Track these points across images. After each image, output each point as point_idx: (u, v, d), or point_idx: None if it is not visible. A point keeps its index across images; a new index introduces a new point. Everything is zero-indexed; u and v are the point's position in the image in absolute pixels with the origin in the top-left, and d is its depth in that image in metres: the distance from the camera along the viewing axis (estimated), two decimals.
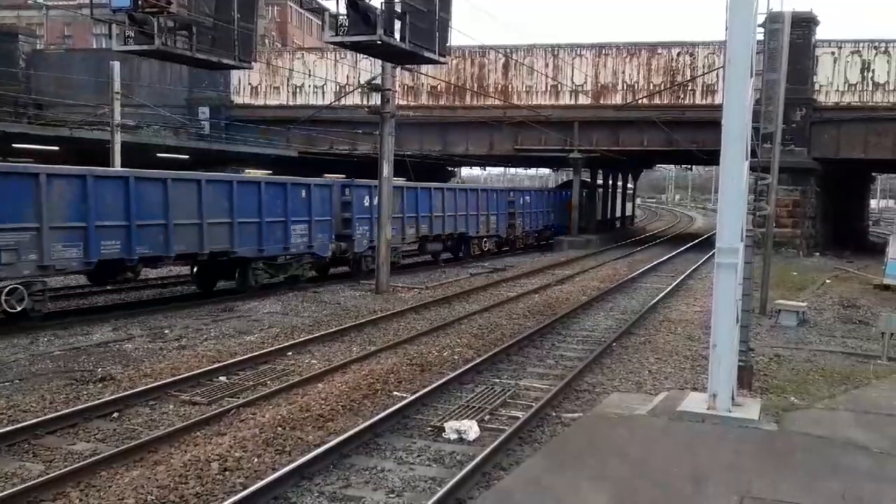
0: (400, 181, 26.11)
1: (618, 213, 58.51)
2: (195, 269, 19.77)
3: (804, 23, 31.53)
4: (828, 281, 24.28)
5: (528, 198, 37.68)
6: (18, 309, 14.17)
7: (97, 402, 9.83)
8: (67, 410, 9.45)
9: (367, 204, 23.22)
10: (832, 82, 33.19)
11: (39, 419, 9.08)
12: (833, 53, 33.15)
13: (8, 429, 8.71)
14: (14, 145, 26.35)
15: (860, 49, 33.00)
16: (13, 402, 9.91)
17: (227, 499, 6.81)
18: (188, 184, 17.37)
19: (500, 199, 34.26)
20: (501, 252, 34.35)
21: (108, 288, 19.50)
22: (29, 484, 7.17)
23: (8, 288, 13.91)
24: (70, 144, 27.10)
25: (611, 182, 55.19)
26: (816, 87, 33.25)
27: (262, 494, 6.94)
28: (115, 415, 9.56)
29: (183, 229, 16.98)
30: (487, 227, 32.50)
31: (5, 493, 6.98)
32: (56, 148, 26.92)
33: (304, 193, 20.39)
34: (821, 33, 33.58)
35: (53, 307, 16.39)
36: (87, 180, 15.18)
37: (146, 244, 16.24)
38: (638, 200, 79.35)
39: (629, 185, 64.78)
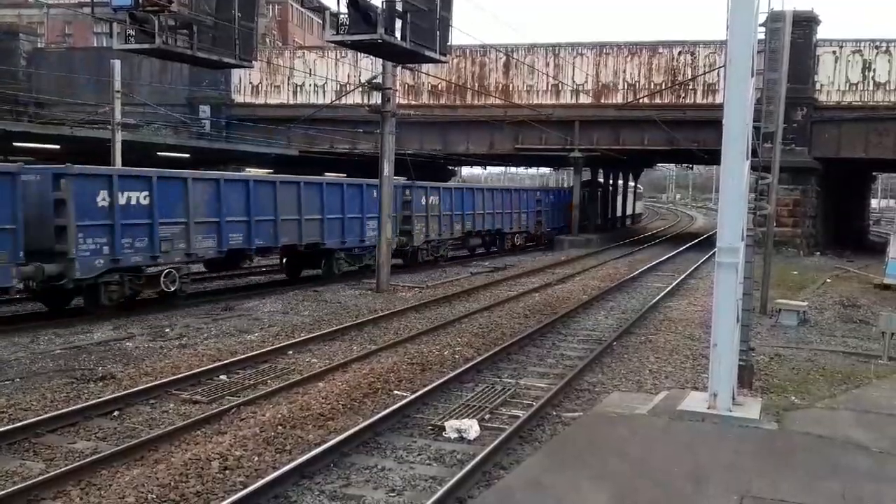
0: (400, 180, 26.22)
1: (619, 213, 58.55)
2: (284, 260, 22.85)
3: (805, 22, 31.52)
4: (828, 280, 24.28)
5: (551, 197, 41.06)
6: (172, 289, 17.08)
7: (98, 400, 9.84)
8: (68, 409, 9.46)
9: (423, 203, 26.89)
10: (833, 82, 33.18)
11: (40, 417, 9.09)
12: (834, 53, 33.14)
13: (9, 427, 8.72)
14: (15, 144, 26.35)
15: (861, 48, 32.98)
16: (14, 401, 9.92)
17: (227, 497, 6.82)
18: (290, 186, 20.42)
19: (530, 198, 37.76)
20: (526, 247, 36.55)
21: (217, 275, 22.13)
22: (30, 482, 7.18)
23: (165, 271, 16.91)
24: (71, 143, 27.09)
25: (611, 181, 55.19)
26: (817, 86, 33.23)
27: (263, 493, 6.94)
28: (116, 413, 9.56)
29: (286, 224, 20.07)
30: (519, 224, 35.86)
31: (6, 491, 6.99)
32: (57, 147, 26.92)
33: (375, 193, 22.18)
34: (822, 33, 33.61)
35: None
36: (220, 183, 18.33)
37: (261, 237, 19.44)
38: (641, 204, 79.87)
39: (637, 185, 66.41)
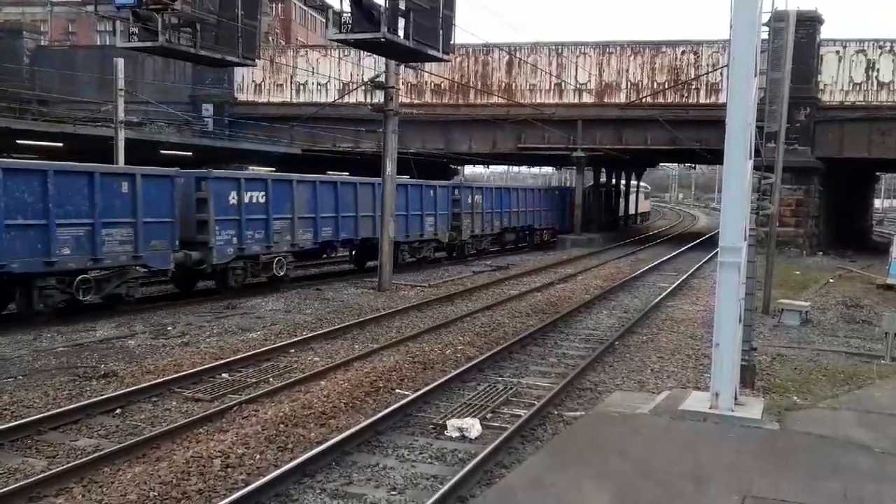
0: (403, 178, 26.36)
1: (621, 212, 58.56)
2: (354, 252, 25.53)
3: (809, 21, 31.47)
4: (831, 280, 24.26)
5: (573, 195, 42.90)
6: (281, 274, 20.25)
7: (100, 398, 9.86)
8: (70, 406, 9.48)
9: (469, 201, 30.21)
10: (836, 81, 33.13)
11: (42, 415, 9.11)
12: (838, 52, 33.08)
13: (11, 424, 8.74)
14: (18, 141, 26.37)
15: (865, 48, 32.94)
16: (16, 398, 9.94)
17: (229, 495, 6.83)
18: (367, 186, 23.44)
19: (556, 196, 41.00)
20: (547, 243, 38.19)
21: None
22: (32, 480, 7.20)
23: (276, 259, 20.05)
24: (74, 141, 27.11)
25: (614, 181, 55.19)
26: (821, 86, 33.18)
27: (264, 491, 6.95)
28: (118, 411, 9.59)
29: (364, 220, 23.30)
30: (547, 221, 38.84)
31: (8, 488, 7.01)
32: (60, 144, 26.93)
33: (432, 193, 26.93)
34: (825, 32, 33.57)
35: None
36: (316, 184, 21.51)
37: (345, 230, 22.72)
38: (640, 198, 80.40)
39: (644, 185, 68.32)
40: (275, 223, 19.87)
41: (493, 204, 32.72)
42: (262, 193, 19.50)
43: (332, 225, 22.12)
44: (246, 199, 18.88)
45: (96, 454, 7.90)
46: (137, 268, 16.45)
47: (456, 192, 29.65)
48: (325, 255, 25.98)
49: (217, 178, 18.49)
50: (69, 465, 7.60)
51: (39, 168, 14.91)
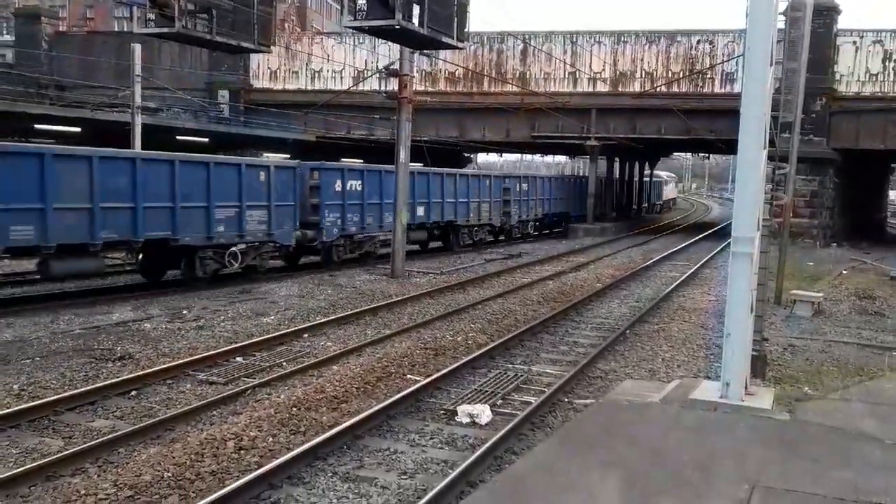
0: (416, 166, 26.45)
1: (653, 200, 58.94)
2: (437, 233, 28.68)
3: (826, 11, 31.19)
4: (844, 272, 24.13)
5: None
6: (372, 251, 23.51)
7: (116, 380, 9.99)
8: (87, 388, 9.61)
9: (518, 189, 33.67)
10: (853, 72, 32.82)
11: (59, 396, 9.24)
12: (854, 43, 32.76)
13: (29, 405, 8.88)
14: (36, 126, 26.56)
15: (882, 39, 32.59)
16: (34, 379, 10.09)
17: (242, 477, 6.93)
18: (437, 176, 27.13)
19: (578, 185, 42.55)
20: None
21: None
22: (49, 459, 7.32)
23: (368, 239, 23.25)
24: (91, 126, 27.27)
25: (627, 170, 54.98)
26: (837, 76, 32.88)
27: (277, 473, 7.05)
28: (134, 393, 9.71)
29: (447, 205, 27.42)
30: (576, 208, 40.65)
31: (26, 467, 7.13)
32: (77, 129, 27.10)
33: (488, 182, 30.98)
34: (842, 22, 33.22)
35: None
36: (415, 176, 24.52)
37: (433, 214, 26.71)
38: (671, 186, 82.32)
39: (670, 174, 72.87)
40: (367, 208, 22.92)
41: (537, 192, 35.93)
42: (359, 182, 22.48)
43: (410, 210, 24.09)
44: (348, 188, 21.85)
45: (112, 435, 8.02)
46: (270, 243, 19.45)
47: (507, 181, 33.13)
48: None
49: (327, 168, 21.76)
50: (85, 445, 7.72)
51: (203, 161, 17.91)
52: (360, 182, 22.50)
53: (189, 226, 16.99)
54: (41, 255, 14.86)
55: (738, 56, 30.92)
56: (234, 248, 18.19)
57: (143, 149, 22.98)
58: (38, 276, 16.38)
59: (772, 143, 9.98)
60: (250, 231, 18.52)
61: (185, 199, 16.82)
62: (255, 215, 18.64)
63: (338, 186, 21.67)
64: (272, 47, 15.03)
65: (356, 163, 31.09)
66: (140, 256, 17.79)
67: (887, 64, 32.42)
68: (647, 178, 62.02)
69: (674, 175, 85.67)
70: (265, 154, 33.20)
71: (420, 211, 26.01)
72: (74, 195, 14.78)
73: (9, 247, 14.10)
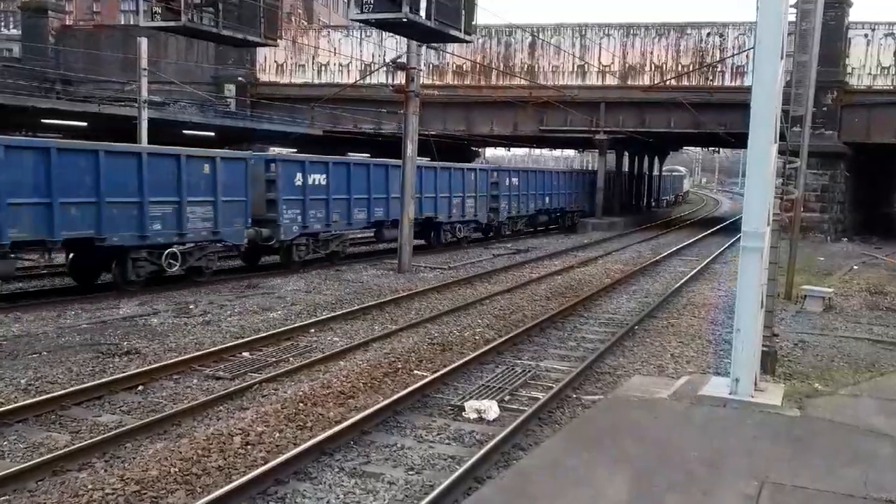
0: (424, 160, 26.36)
1: (644, 196, 58.37)
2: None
3: (837, 4, 30.98)
4: (855, 267, 23.99)
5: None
6: (338, 250, 22.09)
7: (123, 375, 9.98)
8: (93, 383, 9.60)
9: (507, 184, 31.99)
10: (864, 65, 32.58)
11: (66, 391, 9.23)
12: (866, 36, 32.51)
13: (36, 399, 8.88)
14: (43, 120, 26.61)
15: (894, 31, 32.33)
16: (41, 374, 10.09)
17: (248, 472, 6.90)
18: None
19: (583, 180, 41.83)
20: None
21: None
22: (56, 454, 7.31)
23: (333, 237, 21.77)
24: (98, 120, 27.30)
25: (636, 164, 54.82)
26: (848, 69, 32.66)
27: (284, 469, 7.02)
28: (140, 388, 9.70)
29: (424, 200, 25.28)
30: (577, 203, 39.75)
31: (33, 462, 7.13)
32: (84, 124, 27.15)
33: (473, 176, 29.14)
34: (854, 15, 32.98)
35: None
36: (370, 167, 23.04)
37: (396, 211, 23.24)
38: (689, 182, 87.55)
39: (681, 168, 78.37)
40: (333, 204, 21.21)
41: (529, 187, 33.85)
42: (323, 176, 20.73)
43: (383, 206, 23.28)
44: (309, 182, 20.15)
45: (119, 430, 8.00)
46: (217, 243, 18.00)
47: (495, 174, 31.26)
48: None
49: (285, 160, 20.24)
50: (92, 440, 7.71)
51: (134, 151, 16.61)
52: (324, 176, 20.74)
53: (118, 224, 15.31)
54: None
55: (749, 49, 30.71)
56: (173, 249, 16.50)
57: (150, 143, 22.95)
58: (45, 272, 16.29)
59: (782, 136, 9.88)
60: (192, 229, 16.85)
61: (113, 193, 15.06)
62: (198, 212, 16.94)
63: (298, 180, 19.88)
64: (278, 41, 15.01)
65: (361, 156, 31.18)
66: (70, 257, 16.61)
67: None
68: (665, 173, 65.02)
69: (682, 169, 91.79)
70: (271, 148, 33.23)
71: (396, 207, 23.27)
72: None
73: None
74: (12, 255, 14.06)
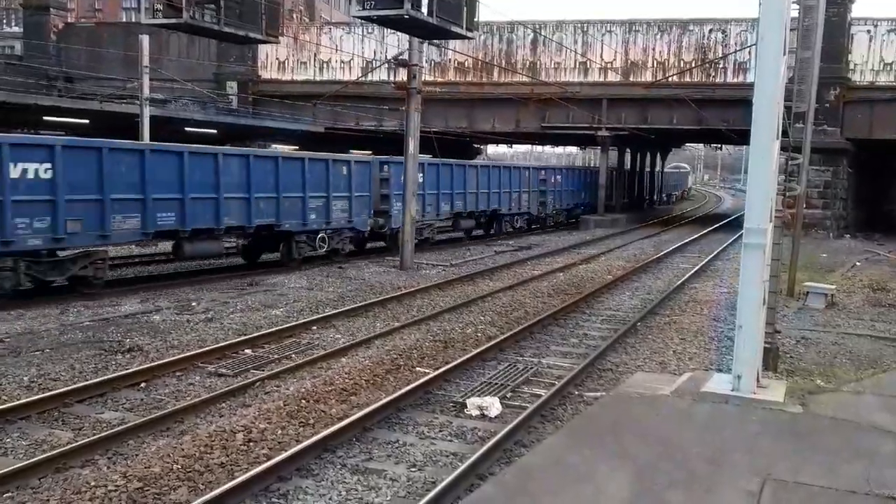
0: (425, 157, 26.43)
1: (646, 193, 58.35)
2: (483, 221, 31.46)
3: (840, 0, 30.88)
4: (857, 264, 23.96)
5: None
6: (432, 238, 26.48)
7: (125, 372, 9.99)
8: (96, 380, 9.61)
9: (553, 181, 36.27)
10: (867, 61, 32.53)
11: (69, 388, 9.24)
12: (869, 32, 32.45)
13: (38, 397, 8.89)
14: (45, 118, 26.62)
15: None
16: (43, 371, 10.10)
17: (251, 469, 6.91)
18: (485, 169, 30.86)
19: (592, 176, 43.50)
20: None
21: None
22: (58, 451, 7.31)
23: (427, 226, 25.78)
24: (99, 118, 27.32)
25: (639, 161, 54.80)
26: (851, 66, 32.62)
27: (286, 466, 7.03)
28: (143, 385, 9.71)
29: (493, 195, 30.61)
30: (591, 199, 41.36)
31: (36, 459, 7.14)
32: (86, 121, 27.16)
33: (527, 174, 33.78)
34: (856, 11, 32.96)
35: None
36: (453, 166, 27.89)
37: (480, 204, 29.91)
38: (693, 179, 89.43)
39: (684, 165, 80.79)
40: (427, 198, 25.32)
41: (569, 183, 38.30)
42: (421, 175, 23.89)
43: (462, 200, 28.15)
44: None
45: (121, 427, 8.00)
46: (349, 229, 21.94)
47: (542, 172, 35.74)
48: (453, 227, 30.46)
49: (397, 162, 23.07)
50: (95, 437, 7.71)
51: (299, 157, 20.67)
52: (421, 175, 24.04)
53: (289, 214, 19.43)
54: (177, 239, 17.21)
55: (751, 45, 30.65)
56: (322, 234, 20.63)
57: (152, 140, 22.97)
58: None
59: (785, 133, 9.87)
60: (335, 219, 21.05)
61: (287, 190, 19.20)
62: (339, 205, 21.12)
63: (403, 178, 22.44)
64: (280, 38, 14.99)
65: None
66: (240, 244, 20.54)
67: None
68: (668, 170, 66.37)
69: (686, 166, 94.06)
70: (273, 145, 33.22)
71: (470, 201, 28.58)
72: (206, 187, 17.19)
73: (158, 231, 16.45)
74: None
